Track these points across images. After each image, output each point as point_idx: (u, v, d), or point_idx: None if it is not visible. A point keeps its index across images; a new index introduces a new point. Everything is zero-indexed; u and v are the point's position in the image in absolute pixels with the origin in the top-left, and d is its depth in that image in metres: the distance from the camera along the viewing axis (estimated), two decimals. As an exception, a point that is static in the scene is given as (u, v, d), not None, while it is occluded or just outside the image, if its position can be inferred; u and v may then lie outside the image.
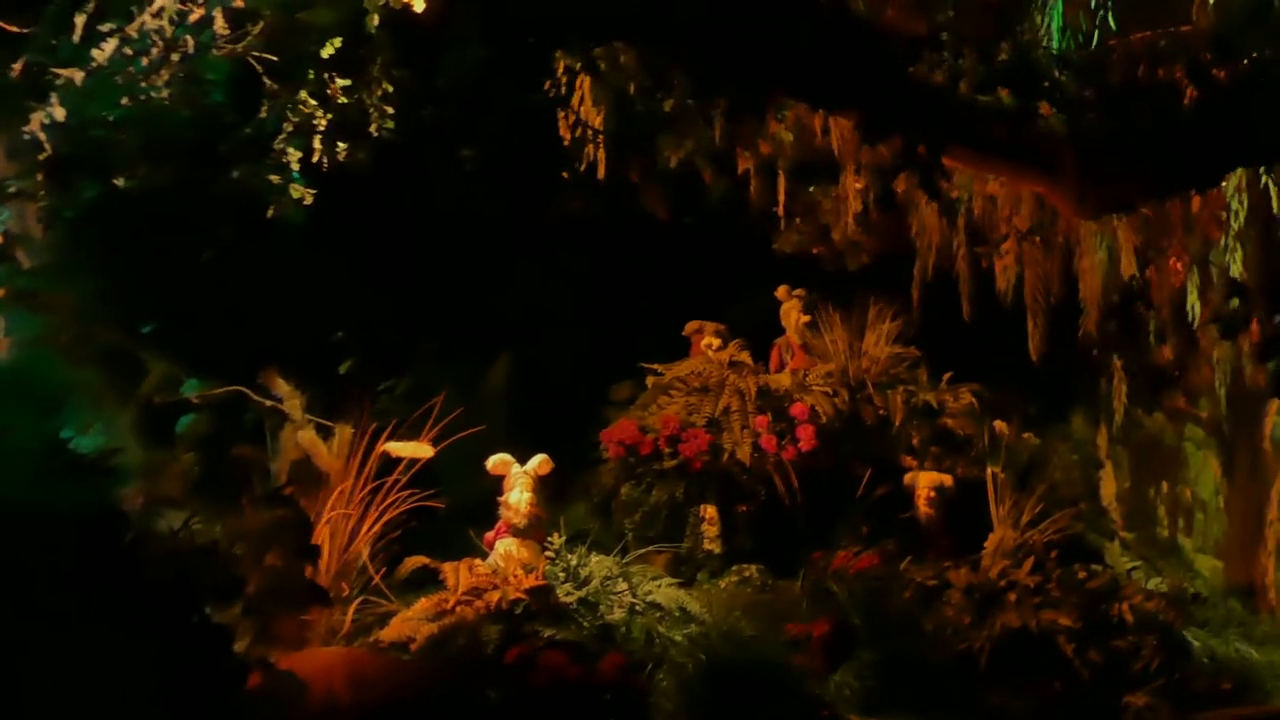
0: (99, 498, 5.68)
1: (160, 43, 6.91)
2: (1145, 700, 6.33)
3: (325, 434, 6.95)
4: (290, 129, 7.22)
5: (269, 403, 7.01)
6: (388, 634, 6.38)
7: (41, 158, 6.82)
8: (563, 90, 7.71)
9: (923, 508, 7.75)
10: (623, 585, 6.54)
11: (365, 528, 6.77)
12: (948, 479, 7.81)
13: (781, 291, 8.48)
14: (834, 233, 8.77)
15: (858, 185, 8.32)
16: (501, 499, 6.97)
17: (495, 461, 7.03)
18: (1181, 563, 8.76)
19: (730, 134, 8.11)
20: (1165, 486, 9.47)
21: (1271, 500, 8.72)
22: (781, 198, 8.37)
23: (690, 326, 8.39)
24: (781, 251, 8.93)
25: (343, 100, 7.25)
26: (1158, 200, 7.33)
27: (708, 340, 8.28)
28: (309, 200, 6.88)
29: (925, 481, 7.81)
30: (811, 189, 8.63)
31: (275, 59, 7.25)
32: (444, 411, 7.03)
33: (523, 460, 7.05)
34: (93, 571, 5.31)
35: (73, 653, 4.95)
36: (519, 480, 6.96)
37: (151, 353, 7.37)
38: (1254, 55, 5.69)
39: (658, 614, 6.42)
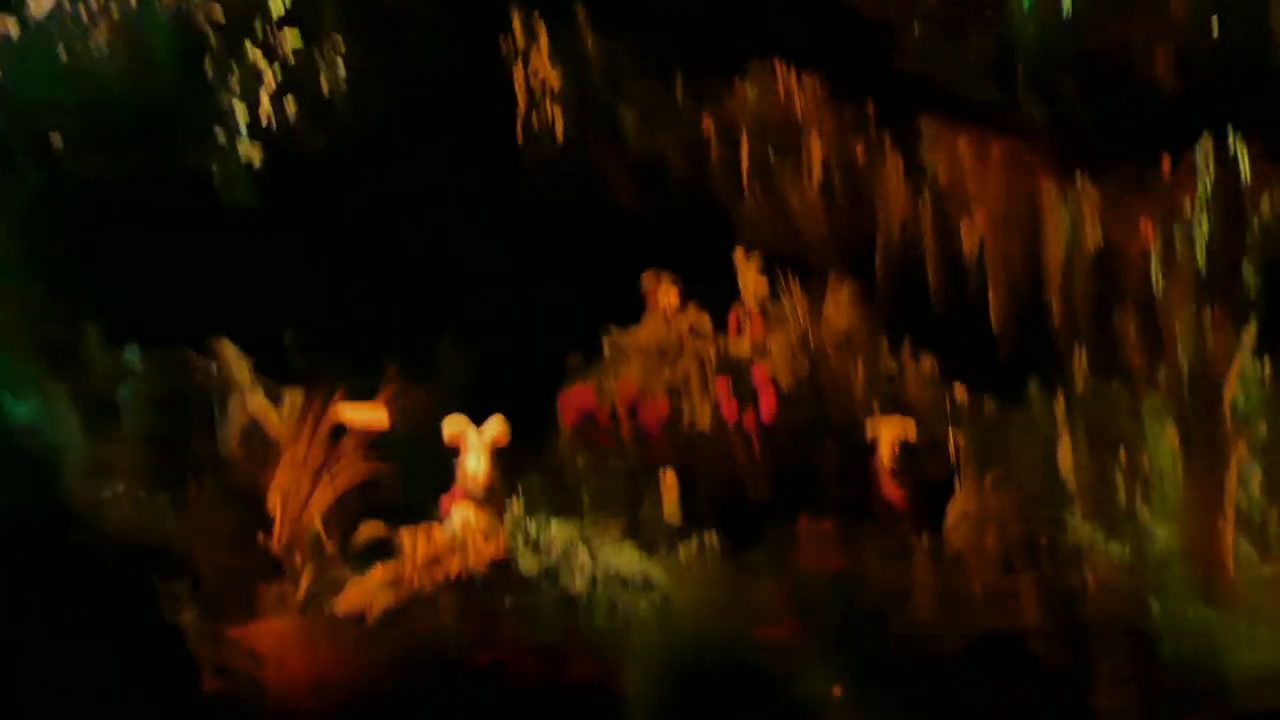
0: (47, 490, 5.70)
1: (99, -5, 6.87)
2: (1116, 700, 6.41)
3: (275, 399, 6.93)
4: (237, 88, 7.20)
5: (215, 367, 6.99)
6: (342, 604, 6.39)
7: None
8: (519, 49, 7.69)
9: (887, 460, 7.75)
10: (584, 554, 6.57)
11: (318, 495, 6.76)
12: (911, 426, 7.80)
13: (739, 255, 8.46)
14: (794, 200, 8.78)
15: (820, 154, 8.31)
16: (458, 463, 6.97)
17: (451, 426, 7.02)
18: (1140, 531, 8.87)
19: (692, 94, 8.12)
20: (1123, 455, 9.57)
21: (1230, 468, 8.86)
22: (745, 164, 8.34)
23: (648, 279, 8.35)
24: (742, 218, 8.92)
25: (292, 62, 7.23)
26: (1132, 157, 7.43)
27: (665, 291, 8.27)
28: (257, 162, 6.86)
29: (889, 431, 7.79)
30: (772, 157, 8.62)
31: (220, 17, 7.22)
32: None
33: (479, 424, 7.06)
34: (39, 566, 5.33)
35: (25, 647, 4.96)
36: (475, 446, 6.96)
37: (91, 332, 7.29)
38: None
39: (620, 583, 6.47)
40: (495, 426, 7.02)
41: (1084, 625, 6.81)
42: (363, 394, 7.03)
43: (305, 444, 6.78)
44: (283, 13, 7.30)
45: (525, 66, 7.88)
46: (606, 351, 8.09)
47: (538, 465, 7.61)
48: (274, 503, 6.62)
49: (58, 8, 6.95)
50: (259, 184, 7.26)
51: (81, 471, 6.44)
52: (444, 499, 6.94)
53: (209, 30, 7.42)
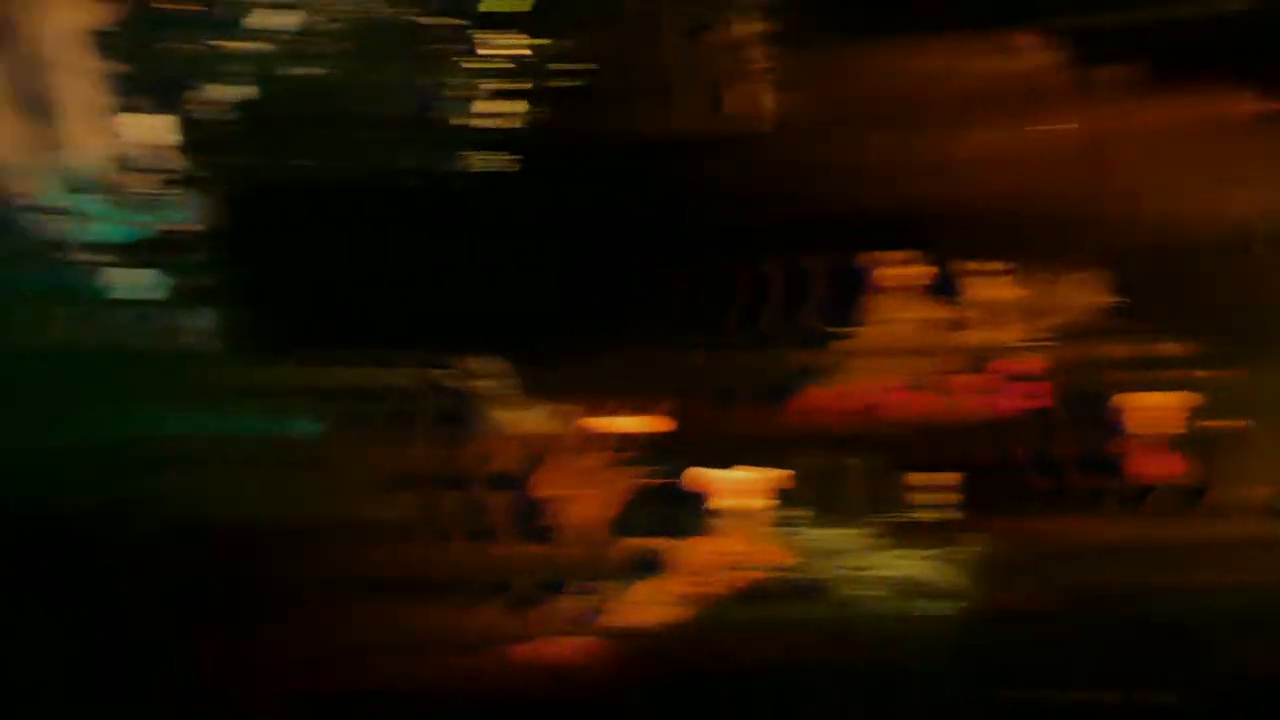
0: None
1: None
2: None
3: (536, 411, 6.96)
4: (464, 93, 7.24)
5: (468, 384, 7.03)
6: (615, 621, 6.43)
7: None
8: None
9: (1143, 432, 7.59)
10: (859, 560, 6.58)
11: (587, 508, 6.79)
12: (1170, 404, 7.64)
13: (966, 264, 8.24)
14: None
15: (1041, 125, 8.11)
16: (712, 492, 6.91)
17: (708, 477, 6.93)
18: None
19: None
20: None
21: None
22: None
23: (882, 266, 8.22)
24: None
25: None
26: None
27: (899, 274, 8.12)
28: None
29: (1144, 410, 7.62)
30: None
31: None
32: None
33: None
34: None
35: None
36: (739, 491, 6.91)
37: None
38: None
39: (904, 589, 6.47)
40: (756, 476, 6.99)
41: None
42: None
43: (574, 456, 6.81)
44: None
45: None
46: (842, 350, 8.03)
47: (801, 474, 7.58)
48: (546, 518, 6.67)
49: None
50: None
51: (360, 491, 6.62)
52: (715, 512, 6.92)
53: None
